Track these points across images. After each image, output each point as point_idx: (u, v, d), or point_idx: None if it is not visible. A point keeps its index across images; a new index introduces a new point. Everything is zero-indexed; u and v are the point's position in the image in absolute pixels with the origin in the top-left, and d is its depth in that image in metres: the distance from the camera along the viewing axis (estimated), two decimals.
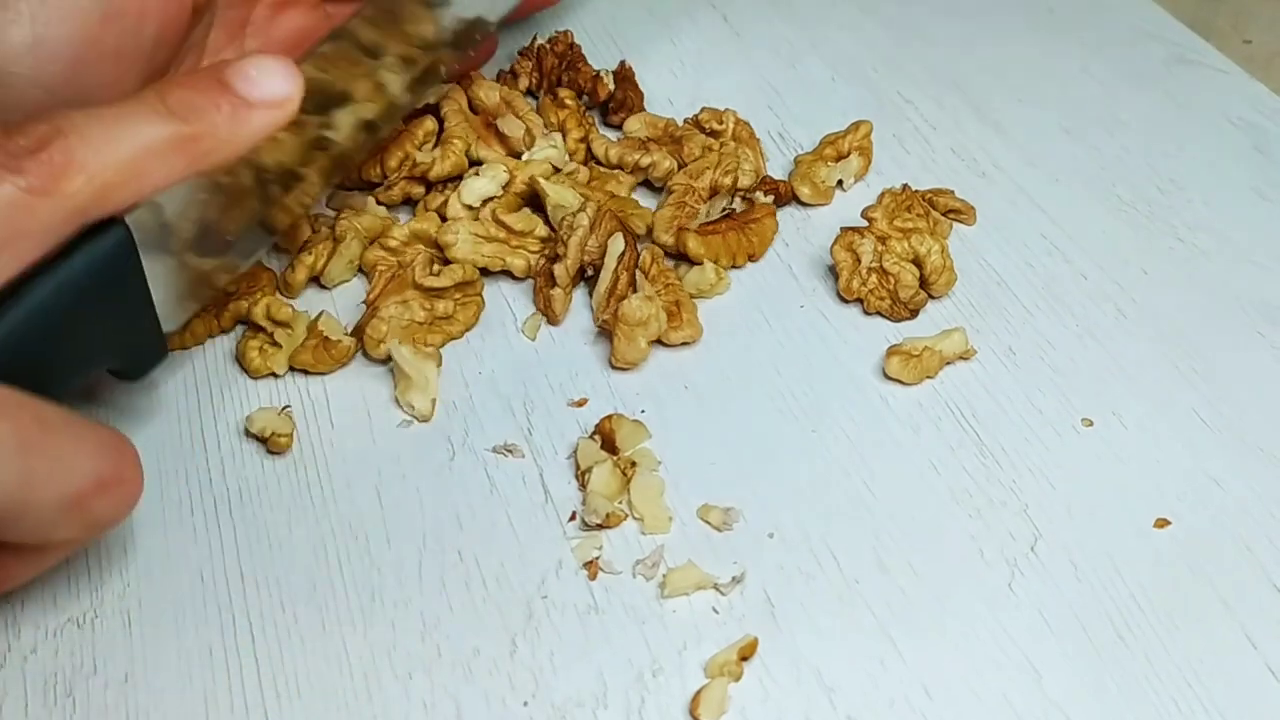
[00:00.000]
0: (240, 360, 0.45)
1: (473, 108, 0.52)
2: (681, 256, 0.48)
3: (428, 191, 0.50)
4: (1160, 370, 0.45)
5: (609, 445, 0.42)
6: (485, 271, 0.47)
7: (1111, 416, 0.43)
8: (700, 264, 0.47)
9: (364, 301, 0.46)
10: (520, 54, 0.56)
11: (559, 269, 0.45)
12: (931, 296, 0.47)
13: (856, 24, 0.61)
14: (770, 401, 0.44)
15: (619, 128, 0.54)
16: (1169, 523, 0.40)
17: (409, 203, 0.50)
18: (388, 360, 0.44)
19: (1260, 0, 0.65)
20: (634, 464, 0.41)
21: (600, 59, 0.57)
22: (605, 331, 0.45)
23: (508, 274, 0.48)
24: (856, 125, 0.52)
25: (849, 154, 0.52)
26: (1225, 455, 0.42)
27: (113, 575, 0.39)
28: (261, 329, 0.45)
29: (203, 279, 0.42)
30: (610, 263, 0.45)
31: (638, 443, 0.42)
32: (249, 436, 0.43)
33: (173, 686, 0.36)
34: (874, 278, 0.47)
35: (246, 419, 0.43)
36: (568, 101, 0.53)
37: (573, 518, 0.40)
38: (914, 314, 0.46)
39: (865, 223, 0.47)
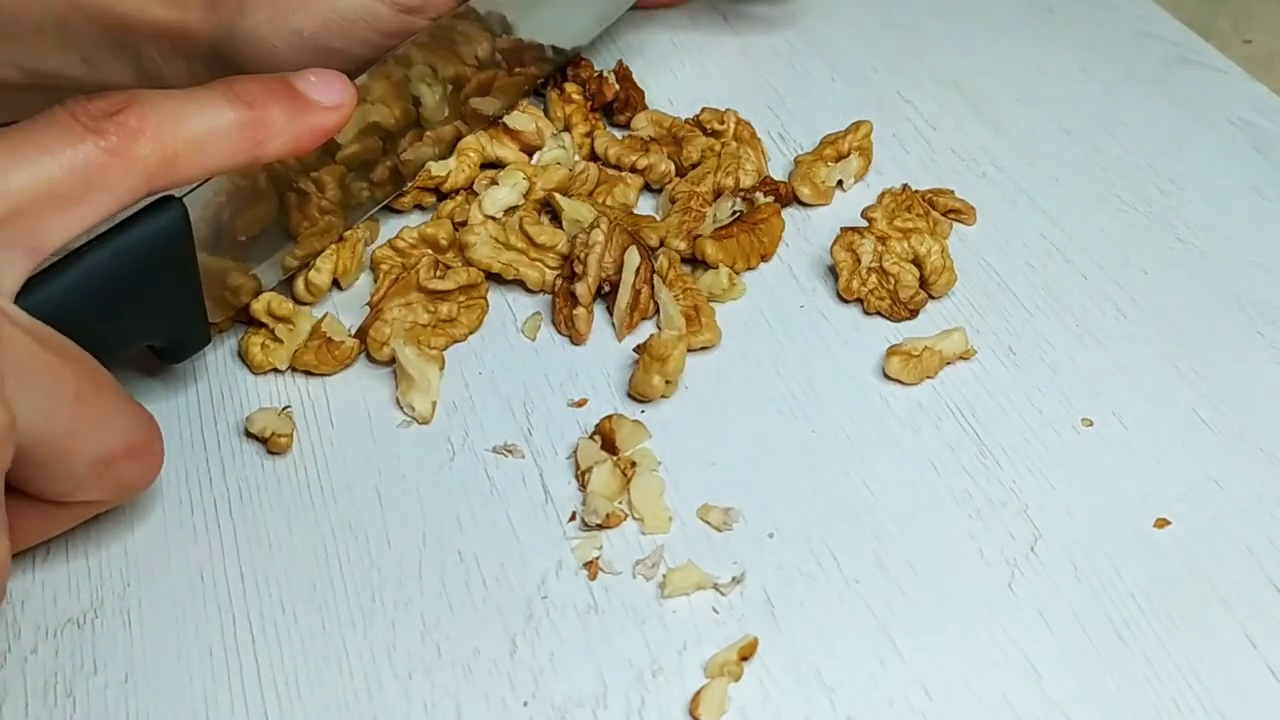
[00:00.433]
0: (243, 356, 0.45)
1: None
2: (696, 261, 0.48)
3: (439, 200, 0.50)
4: (1160, 370, 0.45)
5: (609, 445, 0.42)
6: (497, 278, 0.47)
7: (1111, 416, 0.43)
8: (715, 268, 0.47)
9: (367, 303, 0.46)
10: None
11: (580, 288, 0.45)
12: (931, 296, 0.47)
13: (856, 24, 0.61)
14: (770, 401, 0.44)
15: (626, 126, 0.54)
16: (1169, 523, 0.40)
17: (419, 209, 0.51)
18: (391, 362, 0.44)
19: (1260, 0, 0.65)
20: (634, 464, 0.41)
21: (600, 59, 0.57)
22: (615, 339, 0.46)
23: (519, 283, 0.47)
24: (856, 125, 0.52)
25: (849, 154, 0.52)
26: (1225, 455, 0.42)
27: (113, 575, 0.39)
28: (264, 325, 0.45)
29: (243, 283, 0.44)
30: (628, 277, 0.45)
31: (638, 443, 0.42)
32: (249, 436, 0.43)
33: (173, 686, 0.37)
34: (874, 278, 0.47)
35: (246, 419, 0.43)
36: (574, 96, 0.53)
37: (573, 518, 0.40)
38: (914, 314, 0.46)
39: (865, 223, 0.47)
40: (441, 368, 0.44)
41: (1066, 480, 0.41)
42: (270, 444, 0.42)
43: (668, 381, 0.43)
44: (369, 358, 0.45)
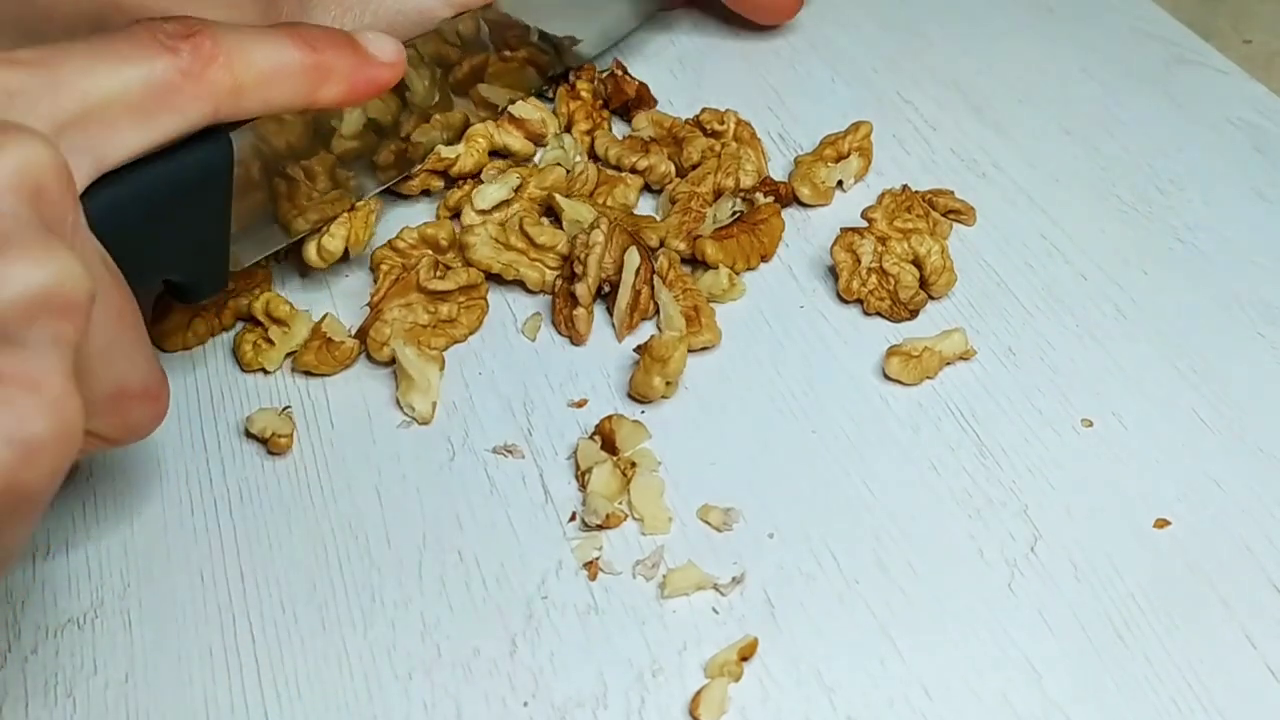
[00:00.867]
0: (235, 352, 0.45)
1: None
2: (696, 261, 0.48)
3: (447, 187, 0.50)
4: (1160, 370, 0.45)
5: (609, 445, 0.42)
6: (497, 278, 0.47)
7: (1111, 416, 0.43)
8: (715, 269, 0.47)
9: (367, 304, 0.46)
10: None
11: (580, 289, 0.45)
12: (931, 297, 0.47)
13: (856, 24, 0.61)
14: (770, 401, 0.44)
15: None
16: (1169, 523, 0.40)
17: (426, 194, 0.51)
18: (391, 363, 0.44)
19: (1260, 0, 0.65)
20: (634, 464, 0.41)
21: (601, 59, 0.57)
22: (615, 339, 0.46)
23: (519, 284, 0.47)
24: (856, 125, 0.52)
25: (849, 154, 0.52)
26: (1225, 455, 0.42)
27: (113, 575, 0.39)
28: (259, 324, 0.45)
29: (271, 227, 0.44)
30: (628, 278, 0.45)
31: (638, 443, 0.42)
32: (249, 436, 0.43)
33: (173, 686, 0.37)
34: (874, 278, 0.47)
35: (246, 419, 0.43)
36: (583, 94, 0.53)
37: (573, 518, 0.40)
38: (914, 314, 0.46)
39: (865, 223, 0.47)
40: (441, 368, 0.44)
41: (1066, 480, 0.41)
42: (270, 444, 0.42)
43: (668, 382, 0.43)
44: (369, 358, 0.45)
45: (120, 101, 0.34)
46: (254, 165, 0.42)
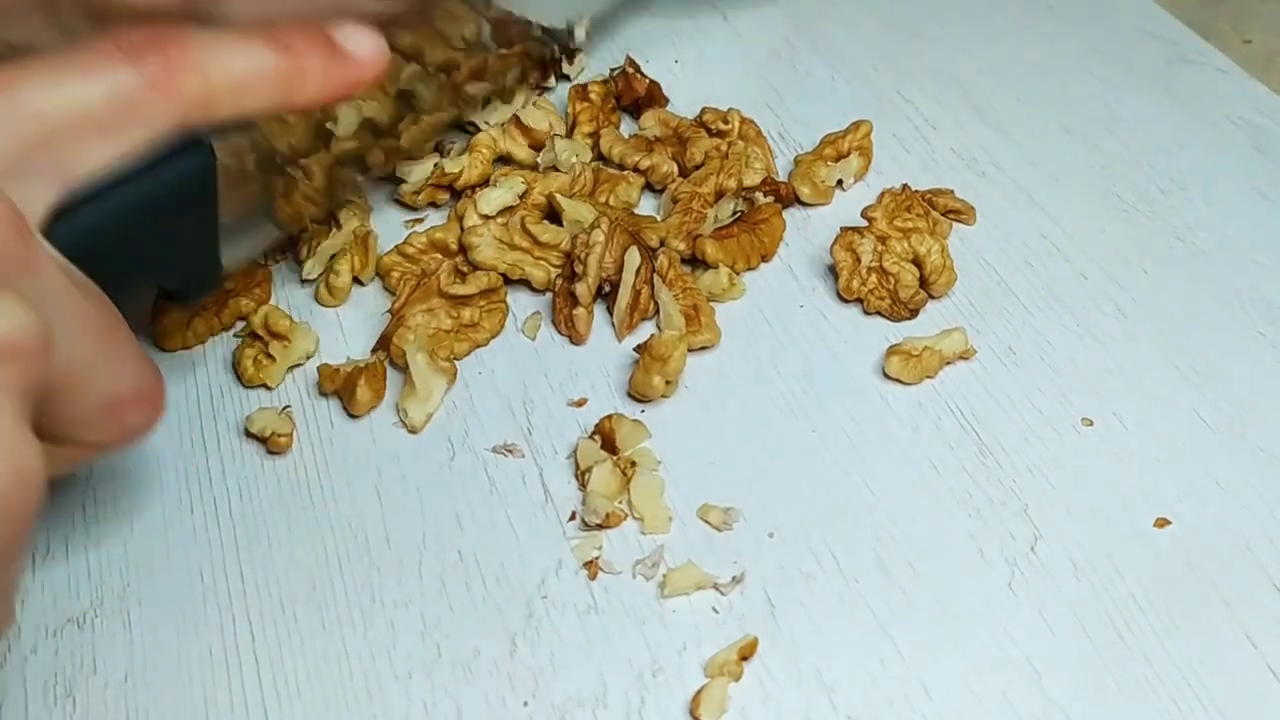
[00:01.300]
0: (235, 367, 0.45)
1: None
2: (696, 261, 0.48)
3: (454, 198, 0.50)
4: (1160, 370, 0.45)
5: (609, 445, 0.42)
6: (503, 279, 0.47)
7: (1111, 416, 0.43)
8: (715, 268, 0.47)
9: (388, 310, 0.46)
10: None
11: (580, 288, 0.45)
12: (931, 296, 0.47)
13: (856, 24, 0.61)
14: (770, 401, 0.44)
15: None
16: (1169, 523, 0.40)
17: (433, 206, 0.51)
18: None
19: (1260, 0, 0.65)
20: (634, 464, 0.41)
21: (600, 59, 0.57)
22: (615, 338, 0.46)
23: (524, 283, 0.47)
24: (856, 125, 0.52)
25: (849, 154, 0.52)
26: (1225, 455, 0.42)
27: (113, 575, 0.39)
28: (260, 338, 0.45)
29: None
30: (628, 277, 0.45)
31: (638, 442, 0.42)
32: (249, 436, 0.43)
33: (173, 686, 0.37)
34: (874, 277, 0.47)
35: (246, 419, 0.43)
36: (592, 95, 0.53)
37: (573, 518, 0.40)
38: (914, 314, 0.46)
39: (865, 222, 0.47)
40: (451, 381, 0.44)
41: (1066, 480, 0.41)
42: (270, 444, 0.42)
43: (668, 381, 0.43)
44: (394, 366, 0.45)
45: (83, 118, 0.33)
46: (247, 159, 0.42)
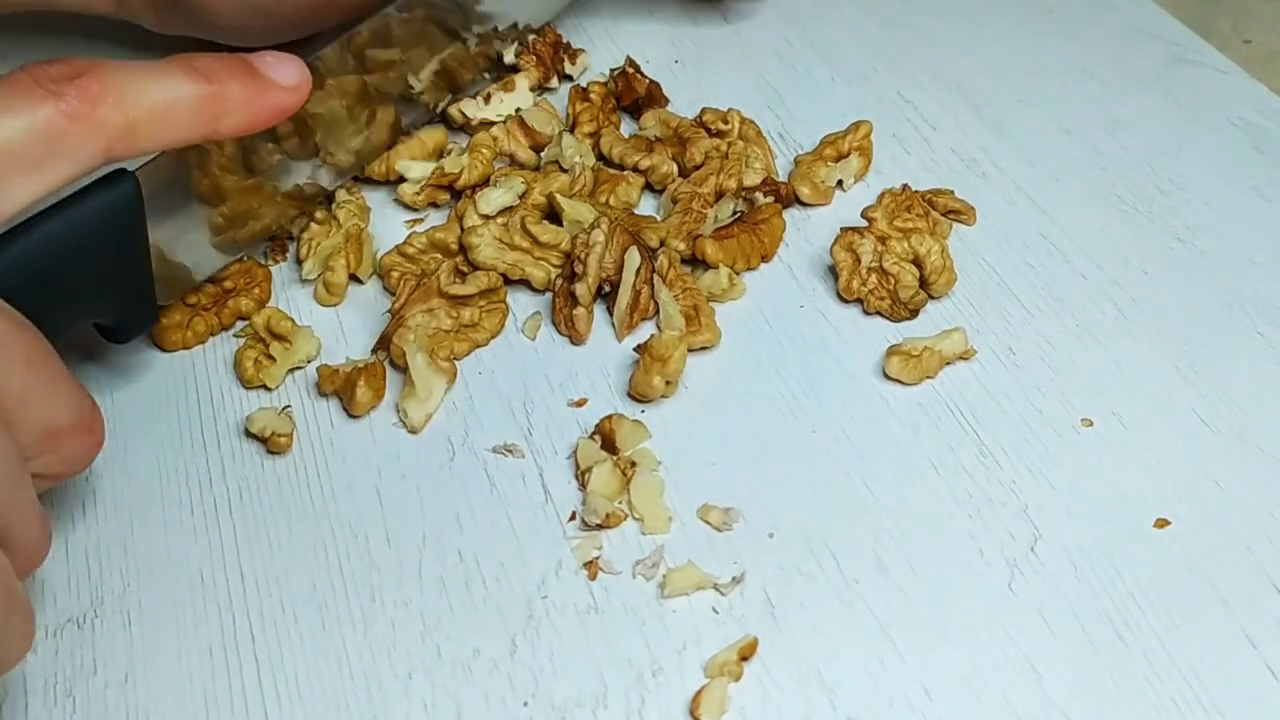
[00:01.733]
0: (236, 368, 0.45)
1: None
2: (696, 261, 0.48)
3: (454, 198, 0.50)
4: (1160, 370, 0.45)
5: (609, 445, 0.42)
6: (503, 279, 0.47)
7: (1111, 416, 0.43)
8: (715, 268, 0.47)
9: (388, 310, 0.46)
10: (518, 53, 0.56)
11: (580, 288, 0.45)
12: (931, 296, 0.47)
13: (856, 24, 0.61)
14: (770, 401, 0.44)
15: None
16: (1169, 523, 0.40)
17: (434, 206, 0.51)
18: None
19: (1260, 0, 0.65)
20: (634, 464, 0.41)
21: (601, 59, 0.57)
22: (615, 339, 0.46)
23: (524, 283, 0.47)
24: (856, 125, 0.52)
25: (849, 154, 0.52)
26: (1225, 455, 0.42)
27: (113, 575, 0.39)
28: (261, 339, 0.45)
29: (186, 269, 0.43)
30: (628, 278, 0.45)
31: (638, 443, 0.42)
32: (249, 436, 0.43)
33: (173, 686, 0.37)
34: (874, 278, 0.47)
35: (246, 419, 0.43)
36: (592, 95, 0.53)
37: (573, 518, 0.40)
38: (914, 314, 0.46)
39: (865, 223, 0.47)
40: (451, 381, 0.44)
41: (1066, 480, 0.41)
42: (270, 444, 0.42)
43: (668, 382, 0.43)
44: (393, 365, 0.45)
45: (4, 155, 0.33)
46: (177, 190, 0.42)
